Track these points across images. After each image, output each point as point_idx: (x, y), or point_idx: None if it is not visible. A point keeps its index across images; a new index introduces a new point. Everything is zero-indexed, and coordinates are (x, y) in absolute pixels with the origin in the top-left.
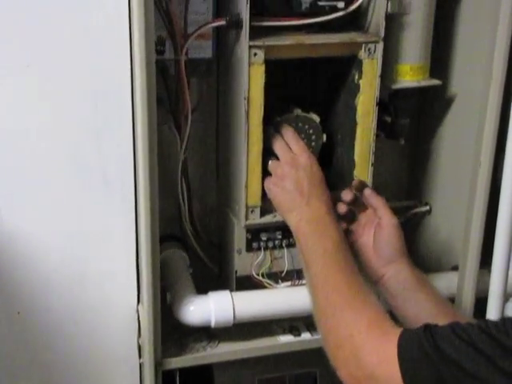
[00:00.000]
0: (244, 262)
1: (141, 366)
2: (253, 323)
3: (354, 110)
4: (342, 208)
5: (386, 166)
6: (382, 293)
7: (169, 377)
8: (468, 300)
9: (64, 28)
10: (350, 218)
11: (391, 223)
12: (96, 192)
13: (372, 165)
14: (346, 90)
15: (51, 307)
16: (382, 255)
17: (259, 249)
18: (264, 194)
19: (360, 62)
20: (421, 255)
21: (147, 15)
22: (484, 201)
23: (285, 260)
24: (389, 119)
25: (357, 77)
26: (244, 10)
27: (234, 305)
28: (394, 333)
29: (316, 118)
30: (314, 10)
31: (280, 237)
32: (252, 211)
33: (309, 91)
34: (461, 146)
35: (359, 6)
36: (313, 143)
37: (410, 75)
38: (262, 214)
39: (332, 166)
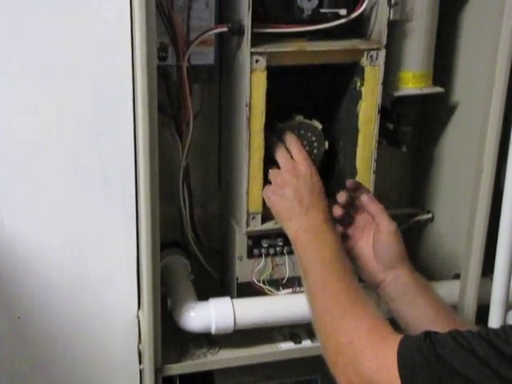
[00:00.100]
0: (245, 268)
1: (141, 372)
2: (253, 330)
3: (355, 117)
4: (338, 211)
5: (389, 174)
6: (382, 297)
7: (169, 383)
8: (470, 308)
9: (65, 33)
10: (346, 221)
11: (389, 230)
12: (97, 197)
13: (374, 172)
14: (347, 97)
15: (52, 312)
16: (381, 261)
17: (260, 255)
18: (265, 201)
19: (362, 69)
20: (423, 263)
21: (149, 21)
22: (486, 208)
23: (286, 267)
24: (391, 126)
25: (359, 84)
26: (246, 16)
27: (234, 311)
28: (394, 339)
29: (318, 125)
30: (316, 17)
31: (281, 243)
32: (253, 218)
33: (311, 98)
34: (463, 153)
35: (361, 13)
36: (315, 150)
37: (413, 82)
38: (264, 220)
39: (334, 173)
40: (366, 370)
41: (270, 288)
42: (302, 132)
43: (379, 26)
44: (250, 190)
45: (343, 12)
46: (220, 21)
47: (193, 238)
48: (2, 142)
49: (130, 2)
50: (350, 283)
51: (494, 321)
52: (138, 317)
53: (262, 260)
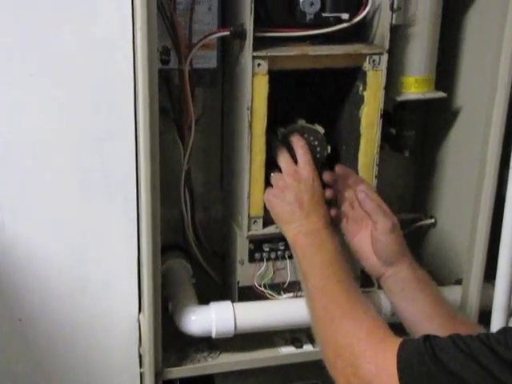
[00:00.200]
0: (246, 272)
1: (141, 375)
2: (254, 334)
3: (358, 121)
4: (328, 193)
5: (391, 178)
6: (383, 289)
7: None
8: (472, 314)
9: (67, 36)
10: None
11: (385, 228)
12: (98, 200)
13: (376, 177)
14: (350, 102)
15: (52, 315)
16: (380, 257)
17: (262, 259)
18: (266, 205)
19: (364, 74)
20: (425, 268)
21: (150, 24)
22: (488, 214)
23: (287, 271)
24: (394, 131)
25: (361, 88)
26: (248, 20)
27: (235, 315)
28: (394, 342)
29: (320, 129)
30: (319, 22)
31: (283, 248)
32: (254, 222)
33: (313, 102)
34: (466, 158)
35: (364, 18)
36: (318, 155)
37: (415, 87)
38: (265, 224)
39: None
40: (366, 372)
41: (271, 292)
42: (305, 136)
43: (382, 30)
44: (251, 194)
45: (345, 16)
46: (223, 24)
47: (194, 242)
48: (4, 143)
49: (132, 4)
50: (349, 286)
51: (496, 326)
52: (138, 320)
53: (264, 264)
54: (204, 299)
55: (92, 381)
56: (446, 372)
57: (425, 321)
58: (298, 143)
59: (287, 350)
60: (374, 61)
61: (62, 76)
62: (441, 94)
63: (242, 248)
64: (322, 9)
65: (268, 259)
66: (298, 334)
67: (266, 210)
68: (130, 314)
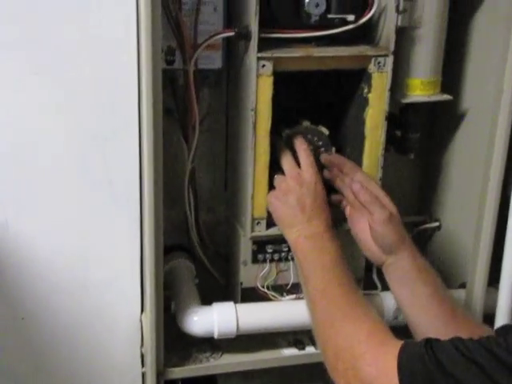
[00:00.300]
0: (249, 273)
1: (143, 375)
2: (257, 335)
3: (362, 123)
4: (326, 174)
5: (396, 181)
6: (385, 277)
7: None
8: (476, 317)
9: (71, 36)
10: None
11: (382, 219)
12: (101, 199)
13: (380, 179)
14: (355, 104)
15: (55, 314)
16: (380, 246)
17: (265, 261)
18: None
19: (369, 76)
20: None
21: (154, 23)
22: (493, 217)
23: (290, 273)
24: (399, 133)
25: (366, 90)
26: (253, 21)
27: (237, 316)
28: (394, 345)
29: (325, 130)
30: (324, 23)
31: (286, 249)
32: (258, 223)
33: (318, 104)
34: (471, 161)
35: (369, 19)
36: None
37: (421, 90)
38: (268, 226)
39: None
40: (366, 374)
41: (274, 294)
42: (309, 137)
43: (387, 32)
44: (254, 195)
45: (351, 18)
46: (228, 25)
47: (198, 242)
48: (8, 143)
49: (137, 4)
50: (349, 289)
51: None
52: (140, 320)
53: (267, 265)
54: (207, 300)
55: (94, 380)
56: (447, 375)
57: (423, 310)
58: (300, 146)
59: (289, 351)
60: (379, 63)
61: (65, 75)
62: (446, 97)
63: (245, 249)
64: (328, 10)
65: (271, 260)
66: (300, 336)
67: (269, 211)
68: (133, 313)
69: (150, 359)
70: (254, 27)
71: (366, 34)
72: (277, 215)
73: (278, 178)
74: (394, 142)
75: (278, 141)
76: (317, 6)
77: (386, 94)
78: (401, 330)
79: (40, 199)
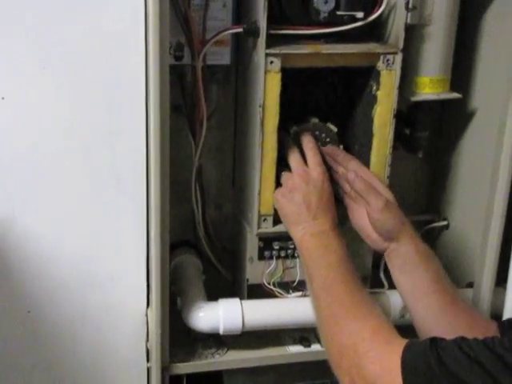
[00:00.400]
0: (256, 270)
1: (148, 369)
2: (263, 332)
3: (370, 121)
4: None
5: (405, 179)
6: (387, 264)
7: (177, 382)
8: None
9: (79, 32)
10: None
11: (378, 207)
12: (108, 195)
13: (388, 177)
14: (363, 101)
15: (61, 308)
16: (380, 234)
17: (271, 258)
18: None
19: (378, 73)
20: None
21: (162, 19)
22: (501, 217)
23: (297, 270)
24: (407, 131)
25: (374, 88)
26: (261, 17)
27: (243, 313)
28: (399, 343)
29: (334, 128)
30: (333, 20)
31: (292, 246)
32: (265, 220)
33: (327, 101)
34: (480, 160)
35: (379, 17)
36: None
37: (430, 88)
38: (275, 222)
39: None
40: (370, 373)
41: (280, 290)
42: (317, 134)
43: (396, 29)
44: (261, 192)
45: (360, 15)
46: (237, 21)
47: (205, 238)
48: (15, 138)
49: (145, 0)
50: (354, 287)
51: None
52: (146, 315)
53: (273, 262)
54: (214, 296)
55: (99, 374)
56: (450, 376)
57: (423, 297)
58: (308, 144)
59: (295, 348)
60: (387, 60)
61: (73, 71)
62: (456, 95)
63: (251, 245)
64: (337, 7)
65: (278, 257)
66: (306, 333)
67: (275, 208)
68: (139, 308)
69: (155, 354)
70: (263, 23)
71: (375, 32)
72: (283, 213)
73: (284, 175)
74: (402, 140)
75: (285, 137)
76: (326, 2)
77: (395, 92)
78: (407, 329)
79: (47, 194)
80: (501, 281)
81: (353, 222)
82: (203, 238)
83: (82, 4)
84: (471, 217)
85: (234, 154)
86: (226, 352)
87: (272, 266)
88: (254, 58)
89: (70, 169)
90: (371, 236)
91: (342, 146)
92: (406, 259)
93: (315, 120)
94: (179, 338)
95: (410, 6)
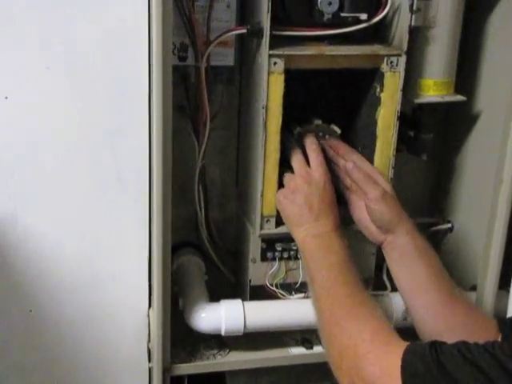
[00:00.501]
0: (258, 271)
1: (150, 370)
2: (265, 334)
3: (374, 123)
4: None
5: (409, 182)
6: (385, 257)
7: (178, 383)
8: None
9: (81, 31)
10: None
11: (375, 197)
12: (110, 195)
13: (391, 179)
14: (367, 103)
15: (62, 308)
16: (377, 225)
17: (274, 259)
18: None
19: (382, 75)
20: None
21: (165, 19)
22: (505, 221)
23: (299, 271)
24: (412, 134)
25: (378, 90)
26: (265, 18)
27: (244, 314)
28: (399, 345)
29: (337, 129)
30: (337, 21)
31: (295, 248)
32: (267, 221)
33: (331, 103)
34: (484, 163)
35: (383, 18)
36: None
37: (434, 90)
38: (278, 224)
39: None
40: (369, 374)
41: (282, 292)
42: (321, 135)
43: (400, 31)
44: (264, 193)
45: (364, 16)
46: (241, 22)
47: (207, 239)
48: (17, 137)
49: (149, 0)
50: (355, 289)
51: None
52: (148, 315)
53: (276, 263)
54: (216, 297)
55: (101, 374)
56: (449, 379)
57: (420, 291)
58: (310, 146)
59: (297, 350)
60: (391, 62)
61: (76, 70)
62: (460, 98)
63: (254, 246)
64: (341, 8)
65: (280, 259)
66: (308, 335)
67: (278, 209)
68: (140, 308)
69: (156, 355)
70: (266, 24)
71: (379, 33)
72: (285, 214)
73: (287, 176)
74: (406, 143)
75: (288, 139)
76: (330, 4)
77: (399, 94)
78: (409, 332)
79: (49, 194)
80: (504, 284)
81: (352, 215)
82: (206, 239)
83: (85, 4)
84: (475, 220)
85: (238, 154)
86: (228, 353)
87: (275, 267)
88: (257, 59)
89: (72, 168)
90: (369, 228)
91: None
92: (403, 251)
93: (319, 121)
94: (181, 338)
95: (415, 8)
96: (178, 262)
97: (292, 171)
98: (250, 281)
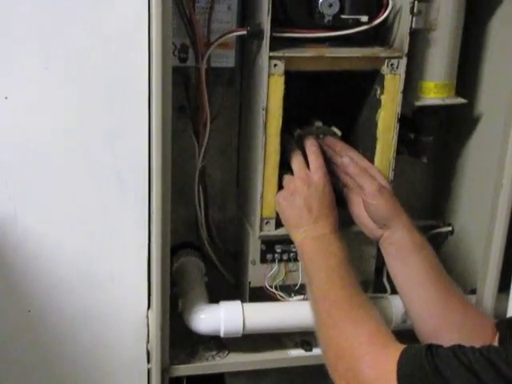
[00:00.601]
0: (258, 273)
1: (149, 371)
2: (265, 335)
3: (374, 125)
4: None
5: (410, 184)
6: (382, 253)
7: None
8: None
9: (81, 32)
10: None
11: (371, 192)
12: (110, 195)
13: (391, 181)
14: (367, 105)
15: (61, 307)
16: (374, 220)
17: (273, 261)
18: None
19: (382, 77)
20: None
21: (165, 20)
22: (504, 223)
23: (299, 273)
24: (412, 136)
25: (379, 92)
26: (265, 20)
27: (244, 315)
28: (396, 348)
29: (338, 131)
30: (337, 23)
31: (295, 250)
32: (267, 222)
33: (331, 105)
34: (485, 166)
35: (384, 21)
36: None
37: (435, 92)
38: (278, 225)
39: None
40: (366, 376)
41: (282, 294)
42: (321, 137)
43: (401, 34)
44: (264, 195)
45: (364, 19)
46: (242, 24)
47: (207, 240)
48: (17, 137)
49: (149, 1)
50: (353, 291)
51: None
52: (147, 316)
53: (275, 265)
54: (216, 298)
55: (99, 374)
56: (443, 382)
57: (417, 286)
58: (310, 148)
59: (296, 352)
60: (392, 64)
61: (76, 71)
62: (460, 100)
63: (254, 248)
64: (341, 11)
65: (280, 260)
66: (307, 337)
67: (277, 211)
68: (139, 309)
69: (155, 355)
70: (267, 26)
71: (380, 36)
72: (284, 216)
73: (286, 178)
74: (407, 145)
75: (289, 140)
76: (330, 6)
77: (399, 97)
78: (409, 334)
79: (49, 194)
80: (504, 287)
81: (351, 212)
82: (206, 240)
83: (85, 4)
84: (476, 223)
85: (239, 156)
86: (227, 355)
87: (274, 269)
88: (257, 60)
89: (71, 169)
90: (367, 223)
91: None
92: (400, 246)
93: (319, 123)
94: (180, 339)
95: (415, 10)
96: (177, 263)
97: (292, 173)
98: (250, 282)
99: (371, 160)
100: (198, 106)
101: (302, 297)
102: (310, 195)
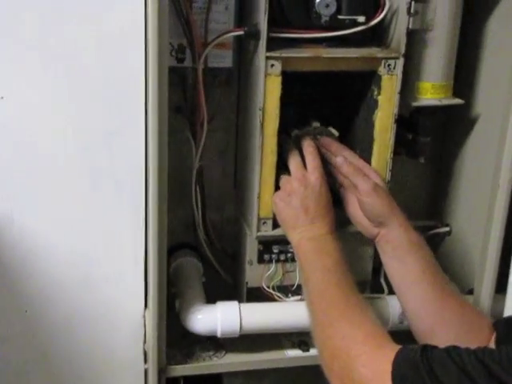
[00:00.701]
0: (255, 273)
1: (145, 371)
2: (262, 336)
3: (371, 125)
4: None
5: (407, 184)
6: (378, 251)
7: None
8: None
9: (80, 33)
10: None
11: (365, 190)
12: (106, 196)
13: (388, 182)
14: (364, 106)
15: (58, 307)
16: (370, 219)
17: (271, 261)
18: None
19: (379, 78)
20: None
21: (161, 20)
22: (501, 224)
23: (296, 273)
24: (410, 137)
25: (376, 92)
26: (262, 20)
27: (240, 316)
28: (391, 348)
29: (335, 132)
30: (334, 24)
31: (292, 250)
32: (264, 223)
33: (328, 105)
34: (483, 167)
35: (381, 21)
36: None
37: (432, 93)
38: (275, 226)
39: None
40: (361, 376)
41: (279, 294)
42: (319, 138)
43: (398, 34)
44: (261, 195)
45: (362, 19)
46: (240, 24)
47: (205, 241)
48: (14, 139)
49: (145, 1)
50: (349, 291)
51: None
52: (144, 316)
53: (273, 266)
54: (213, 299)
55: (96, 374)
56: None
57: (412, 285)
58: (307, 148)
59: (294, 352)
60: (389, 65)
61: (72, 71)
62: (458, 101)
63: (251, 248)
64: (338, 11)
65: (277, 261)
66: (305, 337)
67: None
68: (136, 310)
69: (152, 356)
70: (264, 26)
71: (377, 36)
72: (280, 216)
73: (283, 179)
74: (404, 146)
75: (286, 141)
76: (327, 6)
77: (396, 97)
78: (406, 335)
79: (45, 194)
80: (501, 287)
81: (347, 211)
82: (204, 241)
83: (82, 5)
84: (473, 223)
85: (236, 156)
86: (224, 355)
87: (271, 269)
88: (254, 60)
89: (68, 169)
90: (362, 222)
91: None
92: (396, 245)
93: (317, 124)
94: (177, 340)
95: (412, 10)
96: (175, 264)
97: (289, 173)
98: (247, 283)
99: (368, 161)
100: (195, 106)
101: (299, 297)
102: (307, 196)
